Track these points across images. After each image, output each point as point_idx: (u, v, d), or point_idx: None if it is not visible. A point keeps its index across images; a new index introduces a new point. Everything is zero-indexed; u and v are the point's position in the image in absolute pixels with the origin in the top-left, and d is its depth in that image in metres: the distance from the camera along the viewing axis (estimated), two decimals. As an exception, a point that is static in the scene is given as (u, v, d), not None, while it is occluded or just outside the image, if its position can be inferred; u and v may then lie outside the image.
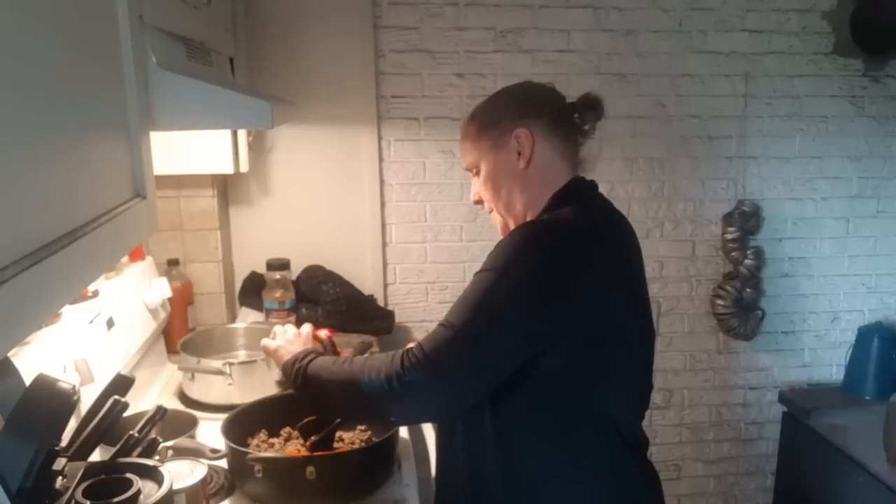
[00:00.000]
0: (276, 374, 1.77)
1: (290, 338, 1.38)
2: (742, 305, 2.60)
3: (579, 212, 1.20)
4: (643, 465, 1.27)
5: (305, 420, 1.47)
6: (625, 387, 1.23)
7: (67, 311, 1.43)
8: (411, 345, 1.13)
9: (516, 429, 1.18)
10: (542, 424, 1.17)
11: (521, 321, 1.10)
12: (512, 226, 1.28)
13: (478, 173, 1.29)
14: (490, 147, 1.26)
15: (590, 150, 1.32)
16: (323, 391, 1.21)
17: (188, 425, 1.46)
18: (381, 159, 2.42)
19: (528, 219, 1.25)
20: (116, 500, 0.90)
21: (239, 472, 1.33)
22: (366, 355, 1.28)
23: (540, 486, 1.18)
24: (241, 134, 2.07)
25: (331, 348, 1.46)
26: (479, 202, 1.32)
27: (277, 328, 1.42)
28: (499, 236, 1.25)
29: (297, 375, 1.24)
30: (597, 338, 1.14)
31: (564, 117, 1.27)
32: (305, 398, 1.26)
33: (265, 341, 1.39)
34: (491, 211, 1.32)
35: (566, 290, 1.12)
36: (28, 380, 0.89)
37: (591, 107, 1.28)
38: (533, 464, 1.18)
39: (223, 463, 1.38)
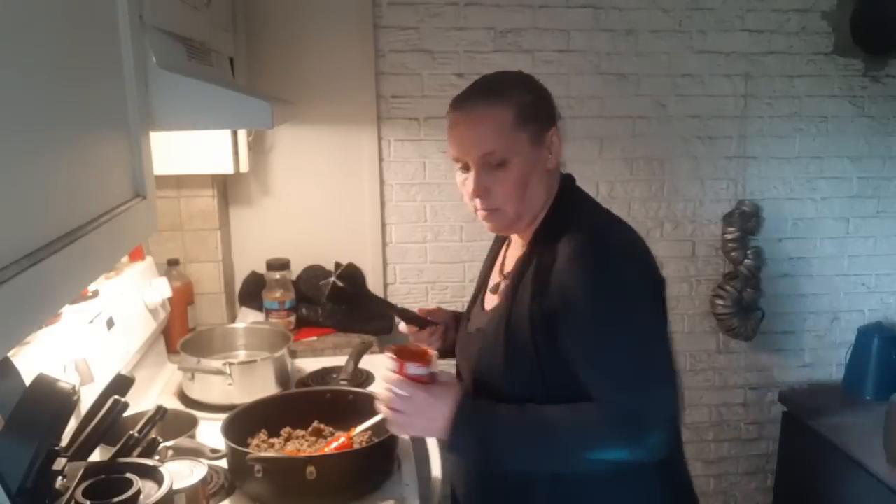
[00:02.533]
0: (274, 374, 1.77)
1: (415, 406, 1.15)
2: (742, 305, 2.60)
3: (609, 213, 1.23)
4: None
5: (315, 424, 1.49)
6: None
7: (67, 311, 1.42)
8: (617, 397, 1.08)
9: None
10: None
11: (667, 336, 1.16)
12: (521, 223, 1.22)
13: (499, 164, 1.16)
14: (528, 141, 1.17)
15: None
16: (527, 459, 1.14)
17: (188, 425, 1.46)
18: (381, 159, 2.42)
19: (538, 214, 1.22)
20: (116, 500, 0.90)
21: (239, 472, 1.33)
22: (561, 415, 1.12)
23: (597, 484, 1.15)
24: (241, 134, 2.07)
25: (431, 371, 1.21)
26: (482, 195, 1.19)
27: (382, 392, 1.18)
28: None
29: (476, 445, 1.13)
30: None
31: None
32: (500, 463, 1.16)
33: (393, 424, 1.20)
34: (493, 208, 1.20)
35: (662, 290, 1.18)
36: (28, 380, 0.89)
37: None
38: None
39: (223, 463, 1.38)
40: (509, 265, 1.30)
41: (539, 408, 1.13)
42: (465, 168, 1.21)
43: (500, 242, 1.43)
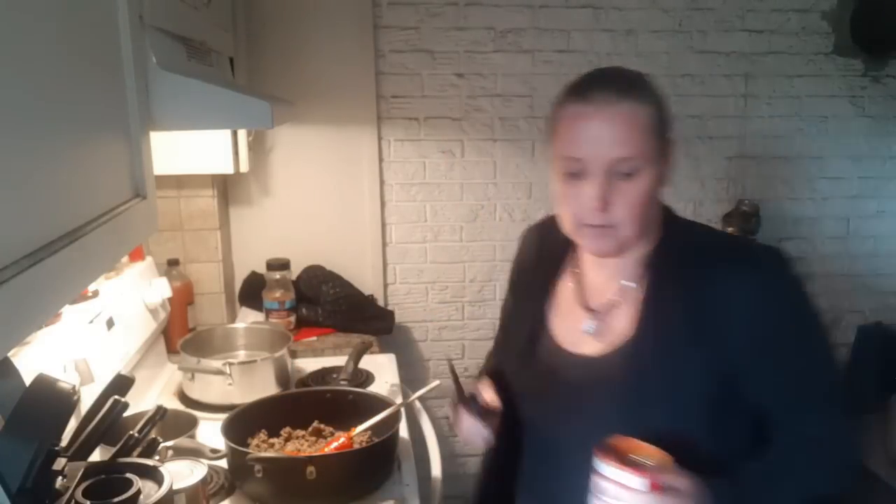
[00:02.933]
0: (274, 374, 1.77)
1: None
2: (742, 305, 2.59)
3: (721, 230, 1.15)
4: None
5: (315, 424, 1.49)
6: None
7: (67, 311, 1.42)
8: (819, 432, 1.01)
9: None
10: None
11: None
12: (628, 247, 1.04)
13: (628, 174, 0.98)
14: (661, 151, 1.01)
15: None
16: None
17: (188, 425, 1.46)
18: (381, 159, 2.42)
19: (640, 239, 1.05)
20: (116, 500, 0.90)
21: (239, 472, 1.33)
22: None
23: None
24: (241, 134, 2.07)
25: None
26: (604, 208, 0.99)
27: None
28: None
29: None
30: None
31: None
32: None
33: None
34: (609, 226, 1.00)
35: None
36: (28, 380, 0.89)
37: None
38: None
39: (223, 463, 1.38)
40: (597, 296, 1.10)
41: (746, 470, 0.98)
42: (575, 174, 1.00)
43: (543, 269, 1.19)
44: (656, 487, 0.87)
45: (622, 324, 1.06)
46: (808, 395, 1.01)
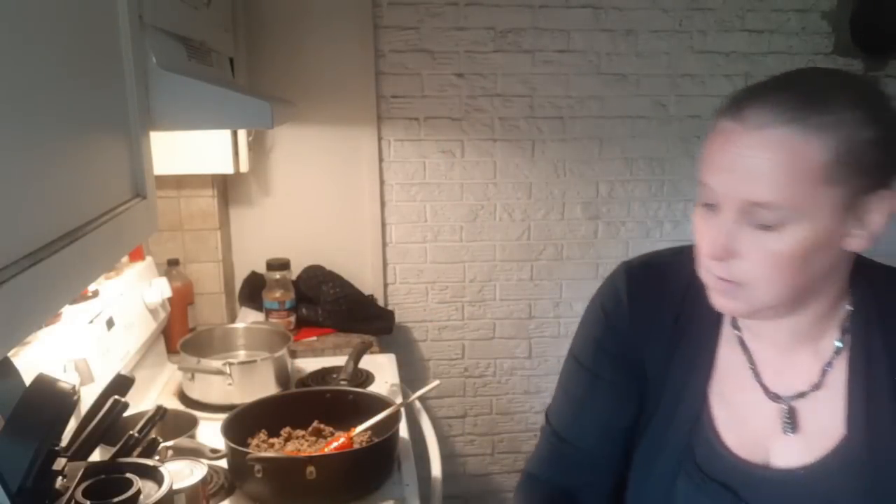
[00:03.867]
0: (274, 374, 1.77)
1: None
2: (742, 305, 2.59)
3: None
4: None
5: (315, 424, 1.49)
6: None
7: (67, 311, 1.42)
8: None
9: None
10: None
11: None
12: (774, 312, 0.80)
13: (772, 225, 0.74)
14: (839, 204, 0.73)
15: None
16: None
17: (188, 425, 1.46)
18: (381, 159, 2.42)
19: (808, 309, 0.81)
20: (116, 500, 0.90)
21: (239, 472, 1.33)
22: None
23: None
24: (241, 134, 2.07)
25: None
26: (725, 256, 0.77)
27: None
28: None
29: None
30: None
31: None
32: None
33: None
34: (731, 281, 0.78)
35: None
36: (28, 380, 0.89)
37: None
38: None
39: (223, 463, 1.38)
40: (785, 384, 0.83)
41: None
42: (710, 206, 0.80)
43: (683, 328, 0.89)
44: None
45: (828, 419, 0.79)
46: None
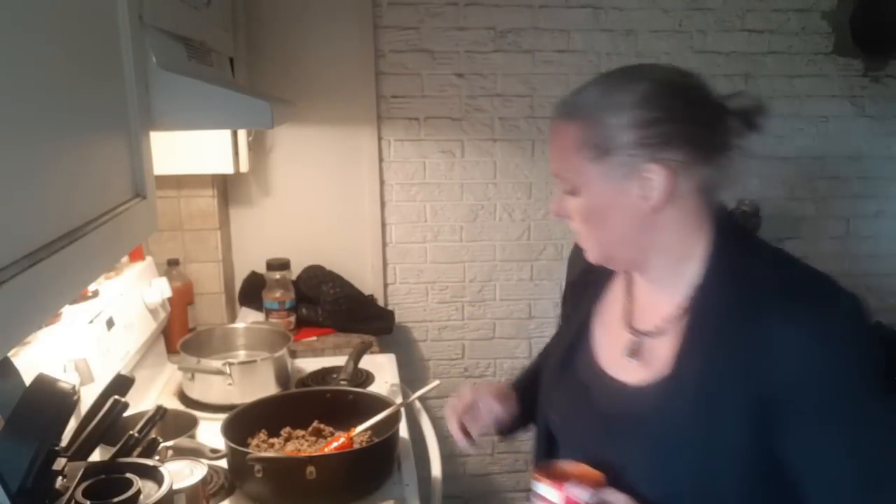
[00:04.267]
0: (274, 374, 1.77)
1: None
2: (742, 305, 2.59)
3: (800, 266, 0.98)
4: None
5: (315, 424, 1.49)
6: None
7: (67, 311, 1.42)
8: None
9: None
10: None
11: None
12: (617, 264, 1.01)
13: (571, 191, 0.95)
14: (599, 177, 0.91)
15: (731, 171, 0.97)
16: None
17: (188, 425, 1.46)
18: (381, 159, 2.42)
19: (660, 262, 0.95)
20: (116, 500, 0.90)
21: (239, 472, 1.33)
22: None
23: None
24: (241, 134, 2.07)
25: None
26: (565, 216, 0.99)
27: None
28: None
29: None
30: None
31: (716, 136, 0.93)
32: None
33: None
34: (578, 236, 1.01)
35: None
36: (28, 380, 0.89)
37: (748, 119, 0.94)
38: None
39: (223, 463, 1.38)
40: (646, 321, 0.99)
41: None
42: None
43: (594, 280, 1.11)
44: (570, 502, 0.87)
45: (665, 354, 0.93)
46: (848, 479, 0.85)
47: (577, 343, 1.08)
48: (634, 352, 0.99)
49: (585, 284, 1.13)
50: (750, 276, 0.91)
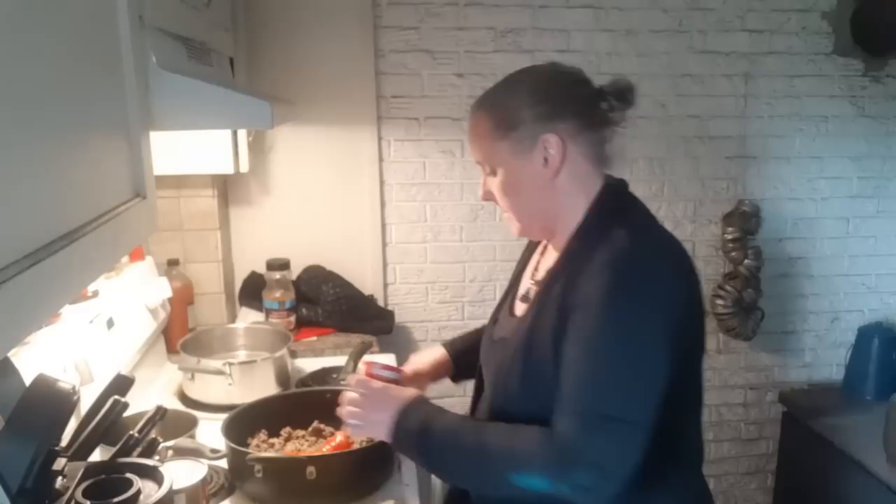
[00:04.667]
0: (274, 374, 1.77)
1: (370, 403, 1.18)
2: (742, 305, 2.60)
3: (647, 226, 1.14)
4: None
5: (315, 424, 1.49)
6: (701, 402, 1.21)
7: (67, 311, 1.42)
8: (562, 425, 1.02)
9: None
10: (659, 462, 1.06)
11: (651, 383, 1.02)
12: (537, 232, 1.21)
13: (491, 172, 1.15)
14: (509, 152, 1.11)
15: (615, 144, 1.19)
16: (453, 469, 1.13)
17: (188, 425, 1.46)
18: (381, 159, 2.42)
19: (559, 227, 1.15)
20: (116, 500, 0.90)
21: (239, 472, 1.33)
22: (494, 429, 1.10)
23: None
24: (241, 134, 2.07)
25: (397, 374, 1.32)
26: (489, 199, 1.18)
27: (349, 393, 1.21)
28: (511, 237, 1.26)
29: (415, 449, 1.14)
30: (693, 365, 1.13)
31: (595, 112, 1.14)
32: (436, 470, 1.16)
33: (348, 427, 1.24)
34: (505, 213, 1.19)
35: (678, 321, 1.05)
36: (28, 380, 0.89)
37: (621, 95, 1.14)
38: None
39: (223, 463, 1.38)
40: (541, 273, 1.21)
41: (481, 424, 1.13)
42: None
43: (533, 247, 1.33)
44: (369, 373, 1.24)
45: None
46: (571, 380, 1.03)
47: (505, 297, 1.32)
48: (524, 297, 1.23)
49: (528, 250, 1.35)
50: (606, 233, 1.08)
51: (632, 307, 1.03)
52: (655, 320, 1.03)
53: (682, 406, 1.14)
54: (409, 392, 1.20)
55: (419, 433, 1.12)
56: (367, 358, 1.41)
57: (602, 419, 1.00)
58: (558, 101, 1.13)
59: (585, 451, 1.00)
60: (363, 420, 1.19)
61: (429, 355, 1.52)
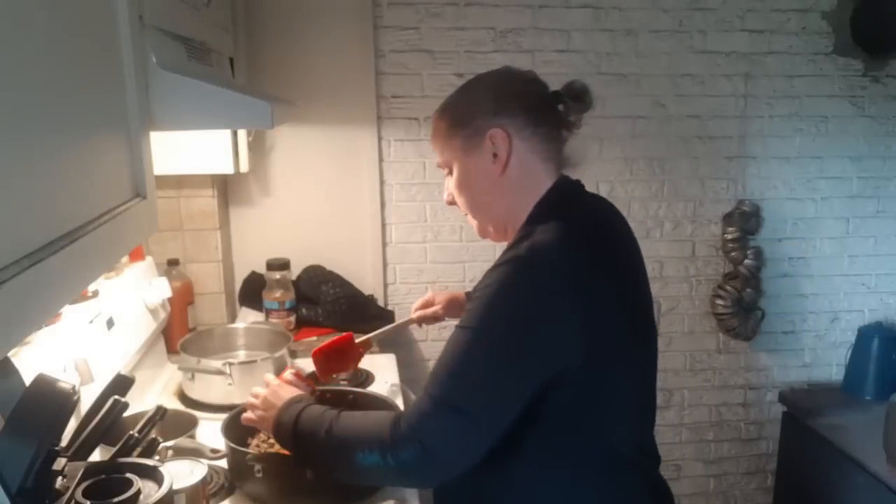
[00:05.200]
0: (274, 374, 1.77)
1: (264, 400, 1.27)
2: (742, 305, 2.60)
3: (565, 228, 1.08)
4: (653, 484, 1.20)
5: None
6: (630, 409, 1.16)
7: (67, 311, 1.42)
8: (399, 414, 1.08)
9: (519, 470, 1.10)
10: (547, 462, 1.10)
11: (505, 385, 1.03)
12: (491, 230, 1.22)
13: (450, 172, 1.21)
14: (461, 148, 1.16)
15: (576, 147, 1.21)
16: (317, 459, 1.16)
17: (188, 425, 1.46)
18: (381, 159, 2.42)
19: (510, 224, 1.17)
20: (116, 500, 0.90)
21: (239, 472, 1.33)
22: (358, 414, 1.16)
23: None
24: (241, 134, 2.07)
25: (308, 387, 1.38)
26: (454, 202, 1.23)
27: (256, 389, 1.32)
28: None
29: (288, 442, 1.18)
30: (597, 368, 1.06)
31: (546, 111, 1.16)
32: (305, 464, 1.21)
33: (244, 416, 1.31)
34: (466, 214, 1.23)
35: (553, 340, 1.03)
36: (28, 380, 0.89)
37: (576, 97, 1.16)
38: (541, 498, 1.11)
39: (223, 463, 1.38)
40: None
41: (345, 414, 1.14)
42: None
43: None
44: (280, 377, 1.35)
45: None
46: (429, 377, 1.06)
47: None
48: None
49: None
50: (534, 229, 1.09)
51: (508, 304, 1.03)
52: (529, 324, 1.02)
53: (600, 412, 1.09)
54: (297, 392, 1.27)
55: (292, 425, 1.16)
56: (298, 365, 1.59)
57: (443, 405, 1.02)
58: (506, 98, 1.16)
59: (418, 430, 1.02)
60: (257, 416, 1.28)
61: (450, 294, 1.69)
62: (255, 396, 1.30)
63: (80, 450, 1.03)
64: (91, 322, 1.46)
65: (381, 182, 2.44)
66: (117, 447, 1.09)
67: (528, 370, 1.03)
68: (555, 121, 1.17)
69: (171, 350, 2.00)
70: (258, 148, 2.32)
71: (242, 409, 1.35)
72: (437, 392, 1.03)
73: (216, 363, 1.71)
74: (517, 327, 1.02)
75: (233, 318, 2.30)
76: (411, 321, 1.73)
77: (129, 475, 0.96)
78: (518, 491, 1.11)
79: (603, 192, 2.53)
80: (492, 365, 1.03)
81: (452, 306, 1.66)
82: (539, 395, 1.04)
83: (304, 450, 1.16)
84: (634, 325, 1.16)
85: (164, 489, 0.95)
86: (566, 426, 1.08)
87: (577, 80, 1.17)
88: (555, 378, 1.04)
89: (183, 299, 2.07)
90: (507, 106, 1.14)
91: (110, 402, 1.06)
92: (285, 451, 1.42)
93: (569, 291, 1.03)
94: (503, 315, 1.03)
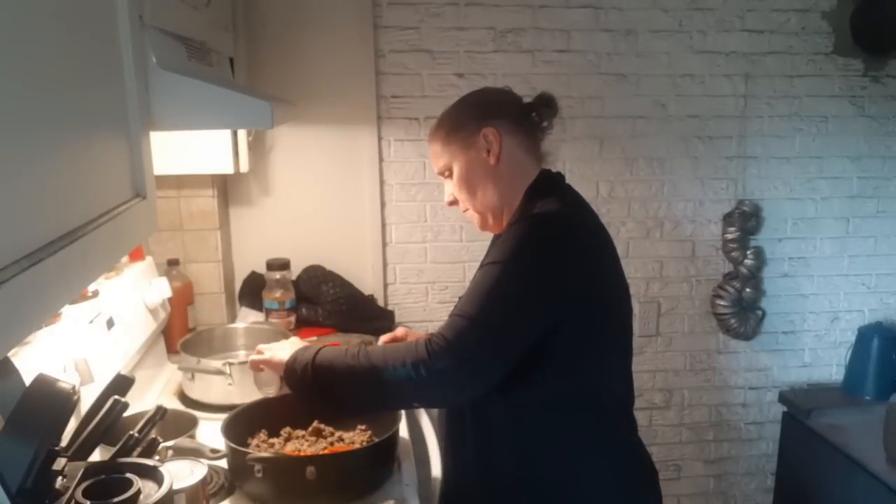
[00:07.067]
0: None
1: (279, 346, 1.40)
2: (742, 305, 2.60)
3: (563, 201, 1.31)
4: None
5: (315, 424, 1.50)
6: (623, 358, 1.37)
7: (67, 311, 1.42)
8: (430, 334, 1.22)
9: (525, 413, 1.27)
10: (550, 406, 1.27)
11: (530, 305, 1.21)
12: (490, 220, 1.39)
13: (450, 175, 1.39)
14: (460, 148, 1.36)
15: (549, 144, 1.44)
16: (337, 383, 1.25)
17: (188, 425, 1.46)
18: (381, 159, 2.42)
19: (505, 211, 1.36)
20: (116, 500, 0.90)
21: (239, 472, 1.33)
22: (377, 344, 1.38)
23: (551, 465, 1.28)
24: (241, 134, 2.07)
25: None
26: (454, 203, 1.41)
27: (261, 346, 1.43)
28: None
29: (306, 370, 1.26)
30: (597, 316, 1.27)
31: (524, 116, 1.39)
32: (315, 395, 1.27)
33: (251, 357, 1.42)
34: (466, 210, 1.41)
35: (567, 275, 1.23)
36: (28, 380, 0.89)
37: (546, 104, 1.39)
38: (544, 445, 1.28)
39: (223, 463, 1.38)
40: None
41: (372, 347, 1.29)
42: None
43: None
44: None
45: None
46: (467, 298, 1.23)
47: None
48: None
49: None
50: (532, 207, 1.29)
51: (533, 238, 1.23)
52: (545, 265, 1.22)
53: (598, 358, 1.30)
54: (304, 343, 1.39)
55: (311, 359, 1.27)
56: None
57: (479, 322, 1.18)
58: (491, 106, 1.39)
59: (454, 343, 1.18)
60: (267, 356, 1.37)
61: (419, 333, 1.68)
62: (269, 347, 1.41)
63: (80, 450, 1.03)
64: (91, 322, 1.47)
65: (381, 182, 2.44)
66: (117, 447, 1.09)
67: (545, 301, 1.21)
68: (531, 123, 1.40)
69: (171, 350, 2.00)
70: (258, 148, 2.32)
71: (242, 408, 1.36)
72: (472, 311, 1.19)
73: (216, 363, 1.71)
74: (539, 264, 1.22)
75: (233, 318, 2.30)
76: None
77: (129, 475, 0.96)
78: (525, 425, 1.28)
79: (603, 192, 2.53)
80: (520, 290, 1.21)
81: None
82: (542, 341, 1.21)
83: (322, 377, 1.25)
84: (622, 285, 1.36)
85: (164, 489, 0.95)
86: (566, 375, 1.26)
87: (545, 91, 1.41)
88: (561, 320, 1.22)
89: (183, 299, 2.07)
90: (494, 111, 1.37)
91: (110, 402, 1.07)
92: (285, 452, 1.43)
93: (576, 245, 1.25)
94: (528, 253, 1.22)
